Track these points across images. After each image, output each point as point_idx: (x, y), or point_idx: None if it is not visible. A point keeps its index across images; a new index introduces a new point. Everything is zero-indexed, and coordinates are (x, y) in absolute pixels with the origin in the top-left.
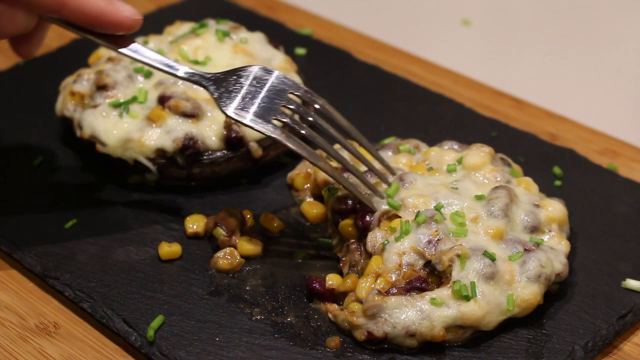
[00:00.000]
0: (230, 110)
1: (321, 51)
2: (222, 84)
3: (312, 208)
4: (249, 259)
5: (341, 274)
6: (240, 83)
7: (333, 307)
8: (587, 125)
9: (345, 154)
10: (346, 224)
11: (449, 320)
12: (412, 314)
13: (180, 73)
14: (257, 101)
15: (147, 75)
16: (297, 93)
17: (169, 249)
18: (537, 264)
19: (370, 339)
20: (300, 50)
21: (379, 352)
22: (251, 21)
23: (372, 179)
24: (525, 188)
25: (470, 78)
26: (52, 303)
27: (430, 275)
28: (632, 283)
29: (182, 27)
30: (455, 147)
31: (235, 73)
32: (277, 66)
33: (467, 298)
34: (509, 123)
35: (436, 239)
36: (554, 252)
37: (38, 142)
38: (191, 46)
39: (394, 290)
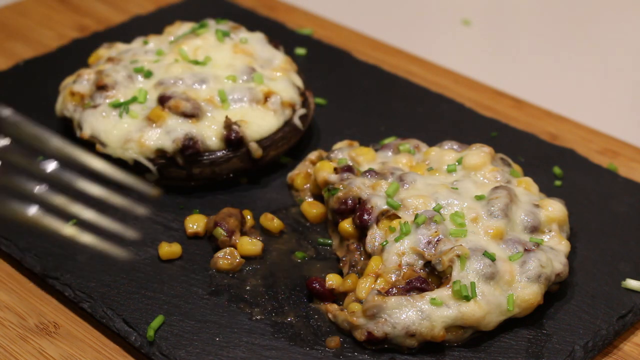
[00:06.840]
0: None
1: (321, 51)
2: None
3: (312, 208)
4: (249, 259)
5: (341, 274)
6: None
7: (333, 307)
8: (587, 125)
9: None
10: (346, 224)
11: (449, 320)
12: (412, 314)
13: None
14: None
15: (147, 75)
16: None
17: (169, 249)
18: (537, 264)
19: (370, 339)
20: (300, 50)
21: (379, 352)
22: (251, 21)
23: (371, 180)
24: (525, 188)
25: (470, 78)
26: (52, 303)
27: (430, 276)
28: (632, 283)
29: (182, 27)
30: (455, 147)
31: None
32: (277, 66)
33: (467, 298)
34: (509, 123)
35: (436, 239)
36: (554, 252)
37: (38, 142)
38: (191, 46)
39: (394, 291)
